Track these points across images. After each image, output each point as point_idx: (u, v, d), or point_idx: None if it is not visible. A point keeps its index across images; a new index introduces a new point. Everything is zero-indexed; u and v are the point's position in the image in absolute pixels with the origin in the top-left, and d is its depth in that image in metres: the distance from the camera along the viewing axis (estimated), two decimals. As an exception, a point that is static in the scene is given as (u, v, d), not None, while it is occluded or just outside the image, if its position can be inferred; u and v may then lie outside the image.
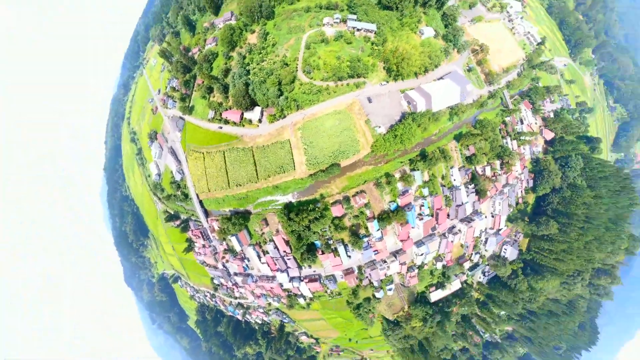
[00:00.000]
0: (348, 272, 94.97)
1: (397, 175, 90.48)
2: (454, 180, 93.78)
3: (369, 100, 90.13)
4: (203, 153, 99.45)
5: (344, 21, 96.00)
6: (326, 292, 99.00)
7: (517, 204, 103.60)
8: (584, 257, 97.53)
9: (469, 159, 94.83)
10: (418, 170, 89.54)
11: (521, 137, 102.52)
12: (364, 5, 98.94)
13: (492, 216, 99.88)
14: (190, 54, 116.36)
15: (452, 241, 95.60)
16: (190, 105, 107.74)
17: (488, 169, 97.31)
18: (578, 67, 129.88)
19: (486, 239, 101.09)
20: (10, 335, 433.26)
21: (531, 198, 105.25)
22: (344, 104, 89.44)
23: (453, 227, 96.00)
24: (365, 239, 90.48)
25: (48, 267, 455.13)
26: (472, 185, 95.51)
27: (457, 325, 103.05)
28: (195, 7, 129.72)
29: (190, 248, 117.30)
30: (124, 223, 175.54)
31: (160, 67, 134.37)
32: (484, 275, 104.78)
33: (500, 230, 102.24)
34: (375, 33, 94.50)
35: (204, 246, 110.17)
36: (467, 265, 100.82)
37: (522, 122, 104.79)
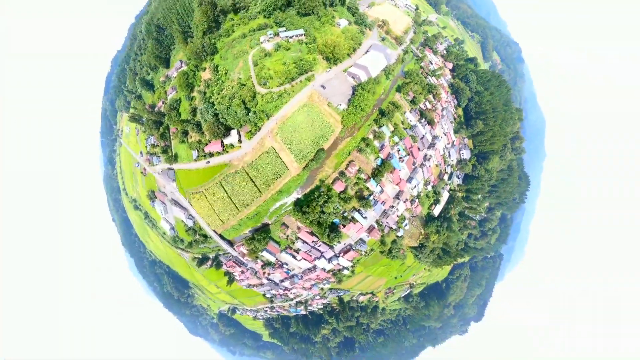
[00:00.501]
0: (370, 230, 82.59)
1: (371, 136, 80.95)
2: (410, 121, 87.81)
3: (323, 87, 78.42)
4: (202, 192, 78.27)
5: (277, 34, 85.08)
6: (361, 254, 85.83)
7: (454, 119, 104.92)
8: (502, 134, 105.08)
9: (413, 101, 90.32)
10: (383, 125, 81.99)
11: (435, 73, 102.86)
12: (287, 18, 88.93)
13: (445, 135, 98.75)
14: (156, 109, 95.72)
15: (429, 166, 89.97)
16: (173, 154, 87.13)
17: (427, 103, 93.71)
18: (443, 17, 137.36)
19: (449, 153, 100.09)
20: None
21: (460, 111, 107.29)
22: (305, 97, 77.58)
23: (425, 155, 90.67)
24: (371, 197, 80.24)
25: (117, 353, 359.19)
26: (423, 119, 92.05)
27: (458, 222, 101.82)
28: (147, 68, 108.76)
29: (231, 279, 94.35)
30: (163, 285, 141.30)
31: (135, 132, 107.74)
32: (458, 178, 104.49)
33: (453, 142, 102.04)
34: (304, 35, 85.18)
35: (242, 272, 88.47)
36: (446, 177, 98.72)
37: (431, 63, 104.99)
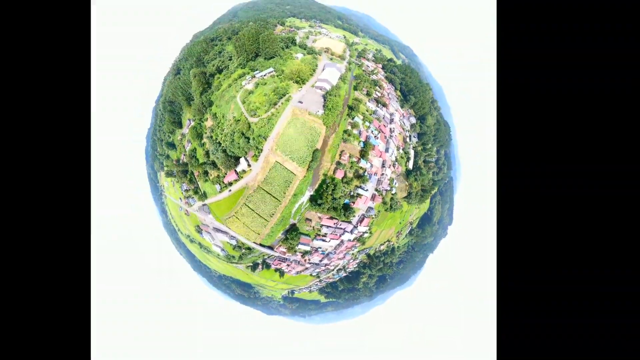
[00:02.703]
0: (373, 197, 68.28)
1: (350, 127, 67.02)
2: (372, 108, 75.17)
3: (300, 102, 64.18)
4: (234, 215, 62.05)
5: (254, 77, 70.00)
6: (373, 218, 70.22)
7: (398, 98, 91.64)
8: (426, 100, 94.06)
9: (368, 94, 77.46)
10: (355, 116, 67.59)
11: (374, 72, 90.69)
12: (258, 64, 74.17)
13: (396, 110, 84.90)
14: (180, 161, 77.38)
15: (395, 136, 77.22)
16: (203, 193, 69.44)
17: (377, 92, 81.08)
18: (362, 39, 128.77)
19: (403, 122, 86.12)
20: None
21: (398, 93, 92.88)
22: (289, 114, 62.64)
23: (390, 129, 77.57)
24: (366, 174, 65.72)
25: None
26: (379, 105, 78.66)
27: (424, 167, 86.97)
28: (168, 133, 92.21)
29: (282, 273, 77.17)
30: (234, 290, 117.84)
31: (172, 184, 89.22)
32: (415, 137, 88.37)
33: (403, 114, 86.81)
34: (274, 71, 70.28)
35: (288, 265, 71.46)
36: (408, 140, 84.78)
37: (368, 67, 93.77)
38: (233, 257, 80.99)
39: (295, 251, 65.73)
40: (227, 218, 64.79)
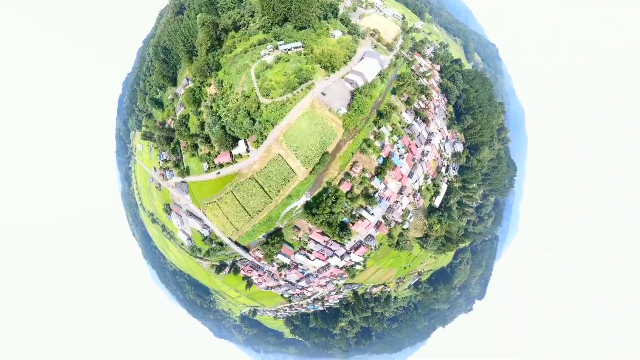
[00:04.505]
0: (378, 225, 77.82)
1: (372, 137, 76.77)
2: (407, 120, 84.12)
3: (323, 94, 73.81)
4: (215, 202, 73.38)
5: (277, 48, 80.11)
6: (371, 249, 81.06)
7: (446, 115, 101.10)
8: (489, 127, 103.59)
9: (407, 102, 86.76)
10: (382, 126, 77.84)
11: (425, 75, 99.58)
12: (285, 32, 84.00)
13: (439, 131, 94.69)
14: (166, 125, 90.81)
15: (427, 161, 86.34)
16: (185, 168, 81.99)
17: (420, 102, 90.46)
18: (428, 24, 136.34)
19: (444, 147, 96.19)
20: None
21: (451, 108, 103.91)
22: (307, 105, 72.51)
23: (423, 151, 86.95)
24: (376, 195, 75.90)
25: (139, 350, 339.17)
26: (418, 118, 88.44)
27: (457, 211, 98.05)
28: (156, 88, 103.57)
29: (250, 283, 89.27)
30: (186, 293, 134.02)
31: (148, 149, 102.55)
32: (454, 169, 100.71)
33: (447, 137, 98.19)
34: (302, 47, 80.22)
35: (260, 275, 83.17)
36: (443, 170, 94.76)
37: (421, 66, 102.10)
38: (199, 250, 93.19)
39: (273, 260, 76.97)
40: (206, 203, 77.28)
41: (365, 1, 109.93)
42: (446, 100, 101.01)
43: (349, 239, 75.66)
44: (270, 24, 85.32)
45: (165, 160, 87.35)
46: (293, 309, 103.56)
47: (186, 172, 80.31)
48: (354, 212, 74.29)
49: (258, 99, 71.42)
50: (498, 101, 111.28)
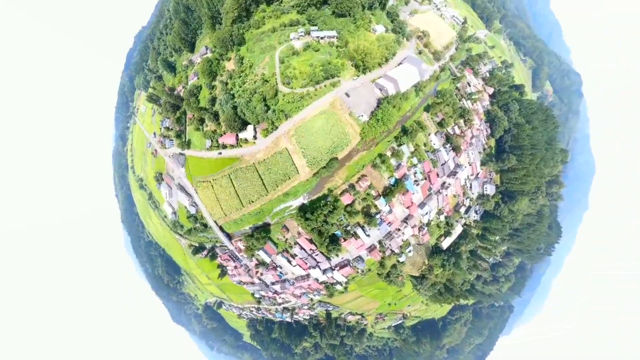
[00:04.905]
0: (371, 249, 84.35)
1: (389, 153, 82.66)
2: (434, 144, 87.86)
3: (347, 95, 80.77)
4: (210, 182, 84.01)
5: (308, 33, 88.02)
6: (358, 272, 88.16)
7: (484, 149, 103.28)
8: (538, 175, 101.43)
9: (440, 124, 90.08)
10: (404, 144, 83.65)
11: (472, 97, 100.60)
12: (321, 17, 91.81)
13: (470, 165, 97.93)
14: (175, 92, 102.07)
15: (446, 195, 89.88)
16: (186, 140, 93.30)
17: (456, 128, 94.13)
18: (494, 35, 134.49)
19: (470, 185, 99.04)
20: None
21: (492, 142, 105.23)
22: (327, 103, 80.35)
23: (444, 183, 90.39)
24: (378, 216, 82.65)
25: (94, 331, 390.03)
26: (448, 144, 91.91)
27: (468, 260, 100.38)
28: (171, 50, 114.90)
29: (224, 273, 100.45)
30: (155, 267, 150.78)
31: (151, 112, 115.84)
32: (476, 213, 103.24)
33: (478, 174, 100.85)
34: (336, 38, 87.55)
35: (235, 267, 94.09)
36: (462, 210, 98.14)
37: (469, 85, 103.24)
38: (182, 226, 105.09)
39: (253, 255, 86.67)
40: (200, 181, 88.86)
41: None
42: (489, 131, 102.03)
43: (337, 255, 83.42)
44: (306, 3, 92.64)
45: (167, 128, 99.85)
46: (260, 312, 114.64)
47: (187, 145, 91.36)
48: (349, 228, 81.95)
49: (277, 85, 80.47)
50: (560, 147, 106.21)
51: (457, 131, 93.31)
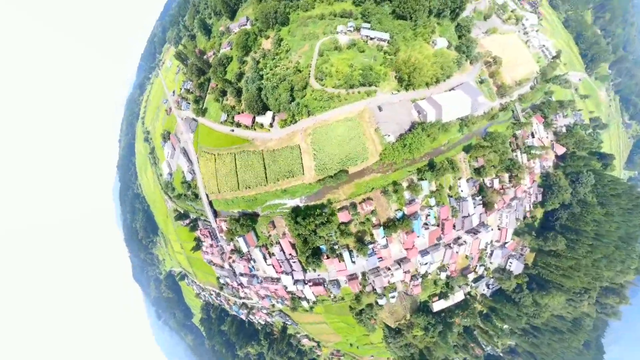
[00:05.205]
0: (352, 277, 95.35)
1: (405, 184, 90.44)
2: (462, 191, 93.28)
3: (380, 108, 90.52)
4: (214, 155, 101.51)
5: (358, 29, 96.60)
6: (329, 296, 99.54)
7: (524, 217, 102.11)
8: (592, 275, 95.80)
9: (477, 171, 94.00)
10: (426, 180, 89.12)
11: (532, 151, 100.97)
12: (377, 14, 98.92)
13: (499, 229, 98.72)
14: (205, 57, 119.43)
15: (457, 252, 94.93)
16: (203, 108, 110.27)
17: (496, 181, 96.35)
18: (593, 82, 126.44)
19: (492, 252, 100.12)
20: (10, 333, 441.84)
21: (539, 212, 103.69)
22: (355, 111, 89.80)
23: (458, 238, 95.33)
24: (371, 246, 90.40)
25: (56, 262, 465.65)
26: (480, 197, 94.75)
27: (458, 336, 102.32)
28: (211, 11, 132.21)
29: (198, 247, 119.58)
30: (135, 220, 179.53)
31: (176, 69, 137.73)
32: (488, 287, 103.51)
33: (506, 243, 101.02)
34: (388, 42, 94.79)
35: (211, 246, 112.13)
36: (471, 276, 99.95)
37: (533, 136, 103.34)
38: (173, 189, 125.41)
39: (232, 240, 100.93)
40: (205, 151, 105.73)
41: (512, 12, 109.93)
42: (539, 198, 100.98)
43: (314, 270, 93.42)
44: None
45: (188, 91, 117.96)
46: (219, 298, 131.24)
47: (202, 112, 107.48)
48: (336, 247, 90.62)
49: (309, 79, 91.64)
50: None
51: (497, 185, 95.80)
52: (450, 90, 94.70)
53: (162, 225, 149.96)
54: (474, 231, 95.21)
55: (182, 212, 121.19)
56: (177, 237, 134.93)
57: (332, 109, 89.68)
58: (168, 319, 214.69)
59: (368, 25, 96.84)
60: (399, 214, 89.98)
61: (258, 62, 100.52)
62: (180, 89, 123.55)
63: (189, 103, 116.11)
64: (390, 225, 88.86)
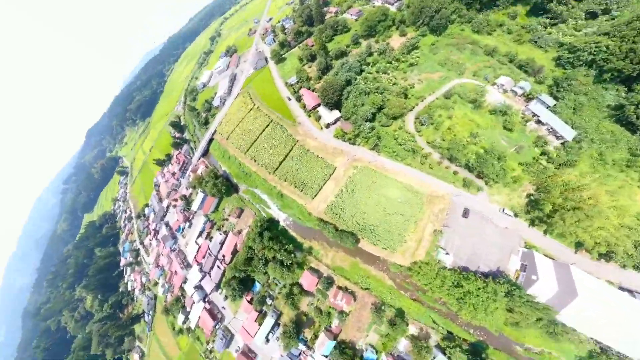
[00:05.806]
0: (247, 354, 65.31)
1: (412, 330, 55.69)
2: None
3: (465, 213, 57.92)
4: (253, 106, 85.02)
5: (529, 97, 63.01)
6: (207, 344, 71.40)
7: None
8: None
9: None
10: (449, 358, 52.40)
11: None
12: (580, 95, 58.63)
13: None
14: (324, 9, 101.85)
15: None
16: (282, 56, 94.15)
17: None
18: None
19: None
20: None
21: None
22: (429, 189, 60.91)
23: None
24: (301, 345, 60.71)
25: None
26: None
27: None
28: None
29: (161, 163, 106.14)
30: (143, 90, 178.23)
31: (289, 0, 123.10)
32: None
33: None
34: (565, 144, 56.95)
35: (174, 174, 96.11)
36: None
37: None
38: (194, 99, 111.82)
39: (194, 187, 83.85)
40: (249, 94, 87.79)
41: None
42: None
43: (225, 298, 70.35)
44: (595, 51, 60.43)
45: (283, 28, 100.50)
46: (125, 223, 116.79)
47: (279, 59, 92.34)
48: (268, 302, 65.94)
49: (408, 112, 66.14)
50: None
51: None
52: (620, 288, 51.94)
53: (155, 117, 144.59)
54: None
55: (182, 124, 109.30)
56: (157, 136, 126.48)
57: (405, 165, 63.38)
58: (70, 191, 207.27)
59: (551, 101, 60.18)
60: (370, 355, 55.61)
61: (370, 54, 79.38)
62: (279, 20, 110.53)
63: (274, 41, 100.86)
64: (345, 352, 56.52)
